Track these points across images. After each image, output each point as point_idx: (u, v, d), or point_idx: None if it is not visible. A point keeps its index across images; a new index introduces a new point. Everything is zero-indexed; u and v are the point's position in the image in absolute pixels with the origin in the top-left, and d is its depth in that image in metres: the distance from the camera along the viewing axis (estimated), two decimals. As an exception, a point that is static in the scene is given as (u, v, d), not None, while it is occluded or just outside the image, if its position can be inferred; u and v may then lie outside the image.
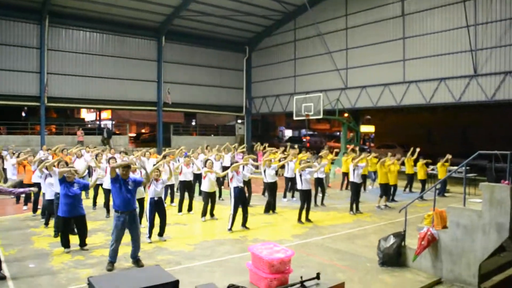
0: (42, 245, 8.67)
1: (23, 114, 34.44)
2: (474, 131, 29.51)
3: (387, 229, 10.17)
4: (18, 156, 14.25)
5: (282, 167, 14.45)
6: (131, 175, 7.99)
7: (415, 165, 16.49)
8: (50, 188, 9.72)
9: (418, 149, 16.50)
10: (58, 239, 8.54)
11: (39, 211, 11.40)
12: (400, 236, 7.76)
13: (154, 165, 11.29)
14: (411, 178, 16.82)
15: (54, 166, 9.33)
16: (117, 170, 7.44)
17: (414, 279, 7.09)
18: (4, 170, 15.87)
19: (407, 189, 16.99)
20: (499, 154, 6.86)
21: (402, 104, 22.75)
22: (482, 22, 18.94)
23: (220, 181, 14.75)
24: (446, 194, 16.11)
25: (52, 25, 23.63)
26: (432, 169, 17.05)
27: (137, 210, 7.72)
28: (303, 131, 50.20)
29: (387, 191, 13.52)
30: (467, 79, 19.62)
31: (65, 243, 8.25)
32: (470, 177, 15.98)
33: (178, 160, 14.07)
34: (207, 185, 11.23)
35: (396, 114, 33.31)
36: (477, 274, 6.70)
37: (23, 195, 12.34)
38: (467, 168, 12.06)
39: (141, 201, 9.85)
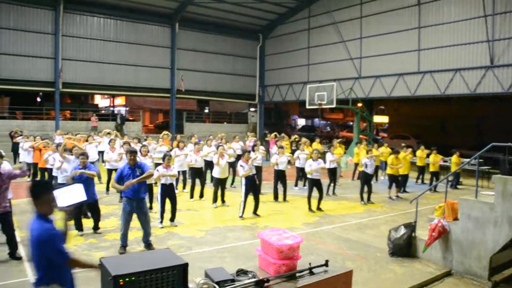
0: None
1: (38, 99, 34.76)
2: (489, 123, 29.08)
3: (398, 220, 10.16)
4: (34, 140, 14.44)
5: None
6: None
7: (427, 157, 16.37)
8: (63, 174, 9.84)
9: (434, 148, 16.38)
10: (72, 222, 8.66)
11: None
12: (411, 227, 7.74)
13: (166, 152, 11.39)
14: (422, 169, 16.70)
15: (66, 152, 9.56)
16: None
17: (424, 270, 7.09)
18: (18, 154, 16.25)
19: (419, 181, 16.89)
20: (513, 147, 6.77)
21: (417, 95, 22.49)
22: (500, 11, 18.53)
23: (234, 168, 14.79)
24: (458, 187, 15.98)
25: (66, 11, 23.70)
26: (445, 161, 16.90)
27: (146, 197, 7.78)
28: (316, 120, 50.01)
29: (395, 181, 13.45)
30: (483, 70, 19.30)
31: (78, 227, 8.40)
32: (483, 170, 15.81)
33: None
34: (217, 171, 11.31)
35: (410, 104, 32.93)
36: (488, 267, 6.66)
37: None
38: (481, 160, 11.92)
39: (150, 186, 9.98)
